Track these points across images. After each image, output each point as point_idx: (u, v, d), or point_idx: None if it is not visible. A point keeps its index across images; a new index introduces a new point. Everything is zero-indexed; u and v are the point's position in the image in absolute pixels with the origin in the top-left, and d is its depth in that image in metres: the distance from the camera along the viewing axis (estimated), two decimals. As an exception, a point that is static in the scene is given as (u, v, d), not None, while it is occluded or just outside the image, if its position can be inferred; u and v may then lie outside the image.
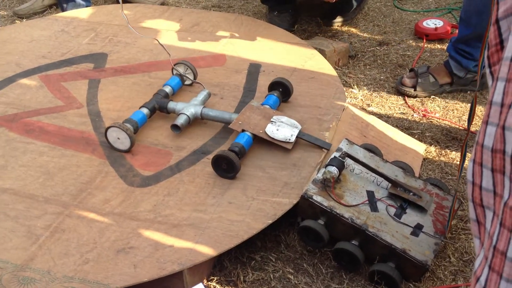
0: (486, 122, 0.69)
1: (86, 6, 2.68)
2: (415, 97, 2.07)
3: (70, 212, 1.47)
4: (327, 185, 1.46)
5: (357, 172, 1.52)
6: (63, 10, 2.70)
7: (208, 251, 1.35)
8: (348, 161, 1.52)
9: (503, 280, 0.64)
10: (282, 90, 1.81)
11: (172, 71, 1.93)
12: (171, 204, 1.49)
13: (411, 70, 2.12)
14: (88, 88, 1.98)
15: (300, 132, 1.63)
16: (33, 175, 1.61)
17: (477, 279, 0.68)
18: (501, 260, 0.64)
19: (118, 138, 1.65)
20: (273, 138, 1.60)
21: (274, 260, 1.47)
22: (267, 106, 1.72)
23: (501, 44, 0.74)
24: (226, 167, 1.53)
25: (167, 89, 1.84)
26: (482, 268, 0.67)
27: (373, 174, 1.50)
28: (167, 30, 2.30)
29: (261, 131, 1.62)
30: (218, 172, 1.55)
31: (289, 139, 1.60)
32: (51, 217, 1.46)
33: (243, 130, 1.62)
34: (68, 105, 1.89)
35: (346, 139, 1.59)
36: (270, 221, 1.42)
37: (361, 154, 1.55)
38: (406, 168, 1.55)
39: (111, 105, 1.88)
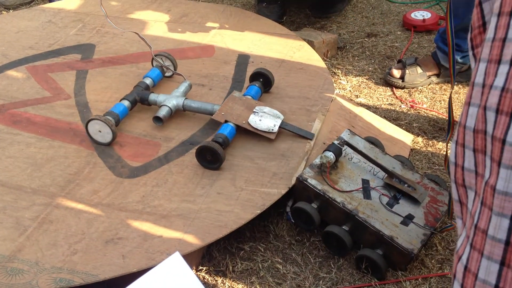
0: (468, 103, 0.69)
1: (74, -3, 2.65)
2: (403, 88, 2.08)
3: (58, 203, 1.47)
4: (323, 170, 1.47)
5: (355, 161, 1.53)
6: (50, 0, 2.68)
7: (197, 242, 1.35)
8: (348, 150, 1.54)
9: (484, 257, 0.64)
10: (263, 80, 1.81)
11: (152, 63, 1.93)
12: (159, 195, 1.49)
13: (399, 61, 2.13)
14: (76, 79, 1.97)
15: (283, 122, 1.63)
16: (21, 166, 1.60)
17: (459, 258, 0.69)
18: (482, 238, 0.65)
19: (100, 131, 1.63)
20: (256, 129, 1.61)
21: (262, 250, 1.48)
22: (249, 97, 1.72)
23: (483, 26, 0.75)
24: (211, 158, 1.53)
25: (148, 81, 1.83)
26: (464, 247, 0.68)
27: (371, 164, 1.51)
28: (155, 21, 2.29)
29: (244, 122, 1.62)
30: (203, 164, 1.55)
31: (272, 129, 1.61)
32: (39, 208, 1.45)
33: (226, 121, 1.62)
34: (55, 96, 1.88)
35: (348, 129, 1.60)
36: (259, 211, 1.43)
37: (361, 144, 1.56)
38: (405, 162, 1.56)
39: (99, 96, 1.87)
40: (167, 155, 1.62)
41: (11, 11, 2.75)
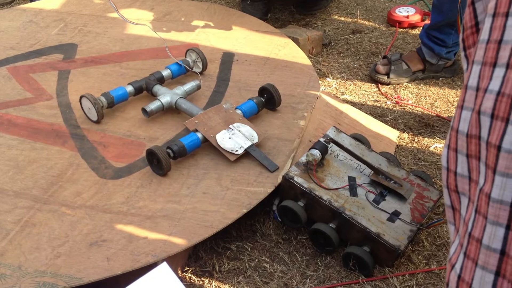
0: (461, 107, 0.67)
1: (55, -4, 2.62)
2: (388, 84, 2.08)
3: (41, 206, 1.44)
4: (309, 167, 1.46)
5: (341, 158, 1.53)
6: (31, 0, 2.64)
7: (183, 242, 1.34)
8: (334, 147, 1.53)
9: (478, 267, 0.63)
10: (266, 96, 1.70)
11: (186, 55, 1.92)
12: (144, 195, 1.47)
13: (384, 57, 2.13)
14: (58, 79, 1.94)
15: (251, 146, 1.54)
16: (2, 169, 1.57)
17: (452, 266, 0.67)
18: (476, 248, 0.63)
19: (89, 108, 1.68)
20: (219, 146, 1.53)
21: (249, 249, 1.46)
22: (238, 111, 1.64)
23: (476, 27, 0.72)
24: (157, 164, 1.50)
25: (165, 72, 1.83)
26: (457, 255, 0.66)
27: (357, 161, 1.51)
28: (138, 20, 2.27)
29: (212, 136, 1.54)
30: (150, 166, 1.52)
31: (236, 151, 1.52)
32: (21, 211, 1.43)
33: (196, 130, 1.57)
34: (37, 97, 1.85)
35: (334, 127, 1.59)
36: (245, 211, 1.42)
37: (347, 141, 1.56)
38: (391, 159, 1.56)
39: (82, 97, 1.84)
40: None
41: (-9, 11, 2.71)
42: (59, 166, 1.57)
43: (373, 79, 2.10)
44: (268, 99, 1.71)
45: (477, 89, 0.64)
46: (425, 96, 2.02)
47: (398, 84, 2.08)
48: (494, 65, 0.62)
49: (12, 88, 1.90)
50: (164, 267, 1.09)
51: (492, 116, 0.60)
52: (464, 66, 0.74)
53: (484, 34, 0.65)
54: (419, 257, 1.42)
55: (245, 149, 1.53)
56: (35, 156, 1.61)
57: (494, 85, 0.61)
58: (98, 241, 1.34)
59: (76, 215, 1.41)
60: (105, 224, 1.39)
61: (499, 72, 0.61)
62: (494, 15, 0.63)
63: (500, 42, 0.61)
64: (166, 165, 1.48)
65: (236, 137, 1.54)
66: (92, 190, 1.49)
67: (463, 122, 0.66)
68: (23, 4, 2.66)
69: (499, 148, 0.59)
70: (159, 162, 1.48)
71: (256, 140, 1.56)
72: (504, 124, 0.59)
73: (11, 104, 1.82)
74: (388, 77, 2.07)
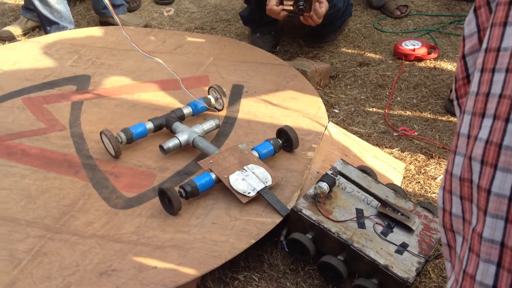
0: (454, 152, 0.73)
1: (70, 29, 2.69)
2: None
3: (53, 235, 1.46)
4: (317, 200, 1.48)
5: (349, 190, 1.54)
6: (46, 33, 2.71)
7: (192, 272, 1.35)
8: (341, 180, 1.55)
9: None
10: (285, 138, 1.70)
11: (208, 92, 1.94)
12: (154, 225, 1.49)
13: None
14: (71, 110, 1.99)
15: (264, 188, 1.53)
16: (15, 198, 1.60)
17: None
18: (470, 284, 0.67)
19: (107, 144, 1.72)
20: (232, 187, 1.53)
21: (257, 279, 1.47)
22: (254, 152, 1.64)
23: (467, 78, 0.80)
24: (168, 202, 1.50)
25: (186, 110, 1.85)
26: None
27: (364, 193, 1.53)
28: (150, 52, 2.32)
29: (225, 176, 1.55)
30: (162, 204, 1.53)
31: (249, 193, 1.53)
32: (33, 240, 1.45)
33: (210, 170, 1.57)
34: (50, 128, 1.90)
35: (341, 159, 1.61)
36: (254, 241, 1.43)
37: (354, 174, 1.58)
38: (398, 190, 1.57)
39: (94, 127, 1.88)
40: (162, 185, 1.63)
41: (6, 43, 2.78)
42: (71, 196, 1.60)
43: (450, 112, 2.11)
44: (285, 141, 1.71)
45: (468, 136, 0.70)
46: (431, 128, 2.04)
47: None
48: (483, 115, 0.68)
49: (26, 118, 1.95)
50: None
51: (482, 162, 0.66)
52: (457, 113, 0.81)
53: (473, 87, 0.71)
54: (427, 289, 1.43)
55: (258, 192, 1.53)
56: (47, 186, 1.64)
57: (483, 134, 0.67)
58: (108, 271, 1.36)
59: (87, 244, 1.43)
60: (115, 253, 1.41)
61: (487, 122, 0.67)
62: (482, 70, 0.70)
63: (487, 95, 0.68)
64: (177, 205, 1.48)
65: (249, 179, 1.55)
66: (103, 220, 1.51)
67: (457, 166, 0.72)
68: (38, 36, 2.73)
69: (489, 191, 0.65)
70: (170, 201, 1.49)
71: (269, 183, 1.55)
72: (493, 170, 0.65)
73: (25, 135, 1.86)
74: None
